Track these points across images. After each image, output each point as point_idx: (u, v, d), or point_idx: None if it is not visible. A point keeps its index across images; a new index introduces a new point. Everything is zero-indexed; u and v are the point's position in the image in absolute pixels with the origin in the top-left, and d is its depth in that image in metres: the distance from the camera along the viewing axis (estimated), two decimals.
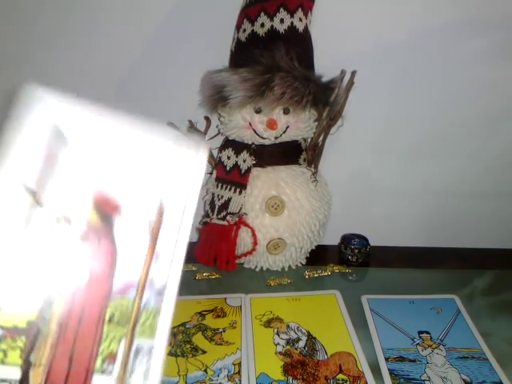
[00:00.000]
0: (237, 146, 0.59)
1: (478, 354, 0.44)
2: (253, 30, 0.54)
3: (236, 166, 0.58)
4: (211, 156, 0.64)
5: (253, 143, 0.58)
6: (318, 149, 0.62)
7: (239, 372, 0.42)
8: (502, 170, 0.66)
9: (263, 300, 0.54)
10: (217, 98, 0.54)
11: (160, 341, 0.29)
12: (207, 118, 0.62)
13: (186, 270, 0.61)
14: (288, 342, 0.46)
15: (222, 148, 0.61)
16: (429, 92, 0.62)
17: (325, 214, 0.61)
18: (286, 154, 0.59)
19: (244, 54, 0.54)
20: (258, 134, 0.56)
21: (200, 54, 0.61)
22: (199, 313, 0.51)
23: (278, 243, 0.58)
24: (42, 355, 0.27)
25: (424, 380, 0.41)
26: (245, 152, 0.58)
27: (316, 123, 0.59)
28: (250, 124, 0.56)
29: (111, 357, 0.28)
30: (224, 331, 0.48)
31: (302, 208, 0.58)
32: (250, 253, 0.59)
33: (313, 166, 0.62)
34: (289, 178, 0.58)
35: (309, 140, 0.62)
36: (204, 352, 0.45)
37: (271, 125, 0.55)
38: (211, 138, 0.63)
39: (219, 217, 0.59)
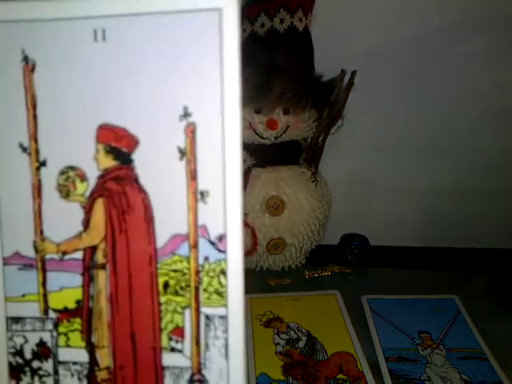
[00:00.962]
0: None
1: (478, 354, 0.44)
2: (253, 30, 0.54)
3: None
4: None
5: (253, 143, 0.58)
6: (318, 149, 0.62)
7: None
8: (502, 170, 0.66)
9: (263, 300, 0.54)
10: None
11: (234, 306, 0.23)
12: None
13: None
14: (288, 341, 0.46)
15: None
16: (429, 92, 0.62)
17: (325, 214, 0.61)
18: (285, 154, 0.59)
19: (244, 54, 0.54)
20: (257, 134, 0.56)
21: None
22: None
23: (278, 243, 0.58)
24: (103, 336, 0.25)
25: (424, 380, 0.41)
26: (244, 152, 0.58)
27: (316, 123, 0.59)
28: (249, 124, 0.56)
29: (178, 331, 0.24)
30: None
31: (302, 208, 0.58)
32: (250, 253, 0.59)
33: (313, 165, 0.62)
34: (289, 177, 0.58)
35: (309, 140, 0.62)
36: None
37: (271, 125, 0.55)
38: None
39: None
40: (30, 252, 0.26)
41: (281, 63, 0.51)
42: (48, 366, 0.26)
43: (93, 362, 0.26)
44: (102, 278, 0.26)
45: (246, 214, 0.58)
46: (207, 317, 0.24)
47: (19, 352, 0.26)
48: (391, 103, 0.63)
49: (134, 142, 0.24)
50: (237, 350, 0.23)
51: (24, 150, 0.25)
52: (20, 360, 0.26)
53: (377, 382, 0.41)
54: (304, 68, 0.53)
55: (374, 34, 0.59)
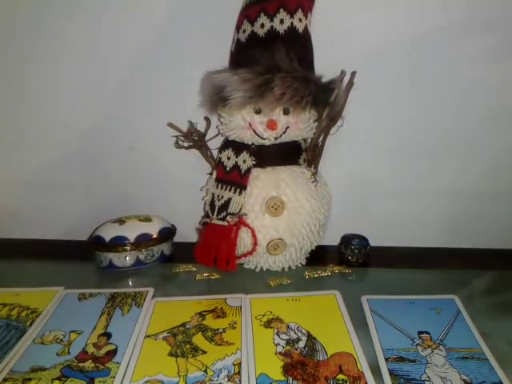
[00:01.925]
0: (237, 147, 0.59)
1: (477, 354, 0.44)
2: (253, 31, 0.54)
3: (236, 166, 0.58)
4: (211, 156, 0.64)
5: (253, 144, 0.58)
6: (317, 149, 0.62)
7: (239, 372, 0.42)
8: (502, 170, 0.66)
9: (263, 300, 0.54)
10: (217, 99, 0.54)
11: None
12: (207, 119, 0.62)
13: (185, 271, 0.61)
14: (288, 342, 0.46)
15: (222, 148, 0.61)
16: (428, 92, 0.62)
17: (325, 215, 0.61)
18: (285, 154, 0.59)
19: (244, 54, 0.54)
20: (257, 135, 0.56)
21: (200, 54, 0.61)
22: (199, 313, 0.51)
23: (277, 243, 0.58)
24: None
25: (424, 380, 0.41)
26: (245, 152, 0.58)
27: (316, 123, 0.59)
28: (249, 124, 0.56)
29: None
30: (224, 331, 0.48)
31: (302, 208, 0.58)
32: (250, 253, 0.59)
33: (313, 166, 0.62)
34: (289, 178, 0.58)
35: (309, 140, 0.62)
36: (204, 352, 0.45)
37: (271, 125, 0.55)
38: (211, 139, 0.63)
39: (219, 217, 0.59)
40: None
41: (281, 63, 0.51)
42: None
43: None
44: None
45: (245, 215, 0.58)
46: None
47: None
48: (391, 103, 0.63)
49: None
50: None
51: None
52: None
53: (377, 382, 0.41)
54: (304, 68, 0.53)
55: (374, 34, 0.59)
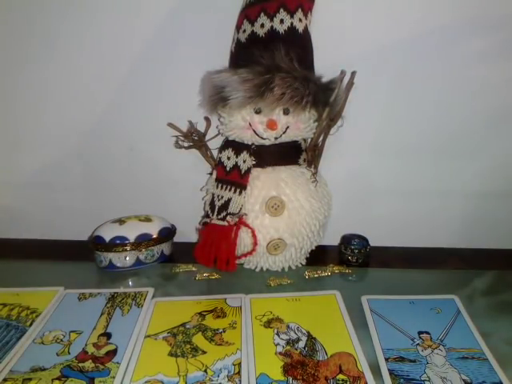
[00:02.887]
0: (237, 147, 0.59)
1: (477, 354, 0.44)
2: (253, 31, 0.54)
3: (236, 166, 0.58)
4: (211, 156, 0.64)
5: (253, 144, 0.58)
6: (317, 149, 0.62)
7: (239, 372, 0.42)
8: (502, 170, 0.66)
9: (263, 300, 0.54)
10: (217, 99, 0.54)
11: None
12: (207, 119, 0.62)
13: (185, 271, 0.61)
14: (288, 342, 0.46)
15: (222, 148, 0.61)
16: (428, 92, 0.62)
17: (325, 215, 0.61)
18: (285, 154, 0.59)
19: (244, 54, 0.54)
20: (257, 135, 0.56)
21: (200, 54, 0.61)
22: (199, 313, 0.51)
23: (278, 243, 0.58)
24: None
25: (424, 380, 0.41)
26: (245, 152, 0.58)
27: (316, 124, 0.59)
28: (249, 124, 0.56)
29: None
30: (224, 331, 0.48)
31: (302, 208, 0.58)
32: (250, 253, 0.59)
33: (313, 166, 0.62)
34: (289, 178, 0.58)
35: (309, 140, 0.62)
36: (204, 352, 0.45)
37: (271, 125, 0.55)
38: (211, 139, 0.63)
39: (219, 217, 0.59)
40: None
41: (281, 63, 0.51)
42: None
43: None
44: None
45: (246, 215, 0.58)
46: None
47: None
48: (391, 103, 0.63)
49: None
50: None
51: None
52: None
53: (377, 382, 0.41)
54: (304, 68, 0.53)
55: (374, 35, 0.59)
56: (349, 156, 0.66)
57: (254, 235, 0.58)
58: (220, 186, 0.59)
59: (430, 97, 0.62)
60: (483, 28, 0.59)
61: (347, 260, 0.63)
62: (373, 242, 0.64)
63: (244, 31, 0.55)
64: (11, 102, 0.67)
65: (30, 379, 0.42)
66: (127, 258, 0.61)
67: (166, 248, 0.64)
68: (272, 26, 0.53)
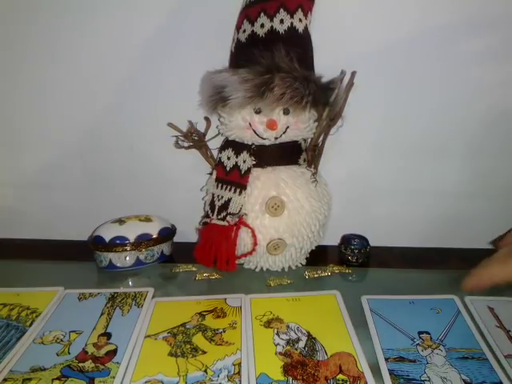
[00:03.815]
0: (237, 147, 0.59)
1: (477, 354, 0.44)
2: (253, 31, 0.54)
3: (236, 166, 0.58)
4: (211, 156, 0.64)
5: (253, 144, 0.58)
6: (317, 149, 0.62)
7: (239, 372, 0.42)
8: (501, 169, 0.66)
9: (263, 300, 0.54)
10: (217, 99, 0.54)
11: None
12: (207, 119, 0.62)
13: (185, 271, 0.61)
14: (288, 342, 0.46)
15: (222, 148, 0.61)
16: (428, 92, 0.62)
17: (325, 215, 0.61)
18: (285, 154, 0.59)
19: (244, 54, 0.54)
20: (257, 135, 0.56)
21: (200, 54, 0.61)
22: (199, 313, 0.51)
23: (278, 244, 0.58)
24: None
25: (424, 380, 0.41)
26: (245, 152, 0.58)
27: (316, 124, 0.59)
28: (249, 124, 0.56)
29: None
30: (224, 331, 0.48)
31: (302, 208, 0.58)
32: (249, 253, 0.59)
33: (313, 166, 0.62)
34: (289, 178, 0.58)
35: (309, 140, 0.62)
36: (204, 352, 0.45)
37: (271, 125, 0.55)
38: (211, 139, 0.63)
39: (219, 217, 0.59)
40: None
41: (281, 63, 0.51)
42: None
43: None
44: None
45: (246, 214, 0.58)
46: None
47: None
48: (391, 103, 0.63)
49: None
50: None
51: None
52: None
53: (377, 382, 0.41)
54: (304, 68, 0.53)
55: (374, 35, 0.59)
56: (349, 156, 0.66)
57: (254, 235, 0.58)
58: (220, 186, 0.59)
59: (430, 97, 0.62)
60: (483, 28, 0.59)
61: (347, 260, 0.63)
62: (373, 242, 0.64)
63: (244, 31, 0.55)
64: (11, 102, 0.67)
65: (29, 379, 0.42)
66: (127, 258, 0.61)
67: (165, 248, 0.64)
68: (272, 26, 0.53)
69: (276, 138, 0.57)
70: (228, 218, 0.58)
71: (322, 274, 0.60)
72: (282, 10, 0.53)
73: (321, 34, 0.56)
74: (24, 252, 0.69)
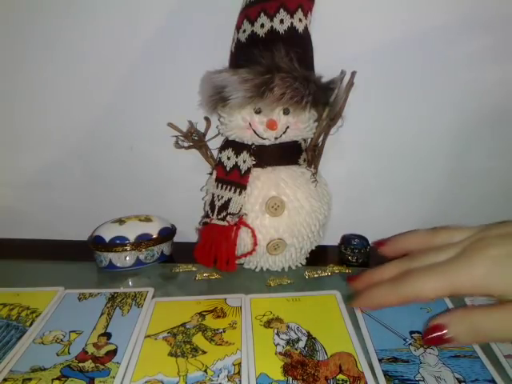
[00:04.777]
0: (237, 147, 0.59)
1: (469, 352, 0.44)
2: (253, 31, 0.54)
3: (236, 166, 0.58)
4: (211, 156, 0.64)
5: (253, 144, 0.58)
6: (317, 149, 0.62)
7: (239, 372, 0.42)
8: (500, 170, 0.66)
9: (263, 300, 0.54)
10: (217, 99, 0.54)
11: None
12: (207, 119, 0.62)
13: (185, 271, 0.61)
14: (288, 342, 0.46)
15: (222, 148, 0.61)
16: (428, 93, 0.62)
17: (325, 215, 0.61)
18: (285, 154, 0.59)
19: (244, 54, 0.54)
20: (257, 135, 0.56)
21: (200, 54, 0.61)
22: (199, 313, 0.51)
23: (277, 244, 0.58)
24: None
25: (418, 380, 0.41)
26: (245, 152, 0.58)
27: (316, 124, 0.59)
28: (249, 124, 0.56)
29: None
30: (224, 331, 0.48)
31: (302, 208, 0.58)
32: (249, 253, 0.59)
33: (313, 166, 0.62)
34: (289, 178, 0.58)
35: (309, 140, 0.62)
36: (204, 352, 0.45)
37: (271, 125, 0.55)
38: (211, 139, 0.63)
39: (219, 217, 0.59)
40: None
41: (281, 63, 0.51)
42: None
43: None
44: None
45: (246, 214, 0.58)
46: None
47: None
48: (391, 103, 0.63)
49: None
50: None
51: None
52: None
53: (376, 382, 0.41)
54: (304, 68, 0.53)
55: (374, 35, 0.59)
56: (349, 156, 0.66)
57: (254, 235, 0.58)
58: (220, 186, 0.59)
59: (430, 97, 0.62)
60: (483, 28, 0.59)
61: (347, 260, 0.63)
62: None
63: (244, 31, 0.55)
64: (11, 101, 0.67)
65: (29, 379, 0.42)
66: (127, 258, 0.61)
67: (165, 248, 0.64)
68: (272, 26, 0.53)
69: (276, 138, 0.57)
70: (228, 218, 0.58)
71: (322, 274, 0.60)
72: (281, 10, 0.53)
73: (321, 34, 0.56)
74: (24, 252, 0.69)
